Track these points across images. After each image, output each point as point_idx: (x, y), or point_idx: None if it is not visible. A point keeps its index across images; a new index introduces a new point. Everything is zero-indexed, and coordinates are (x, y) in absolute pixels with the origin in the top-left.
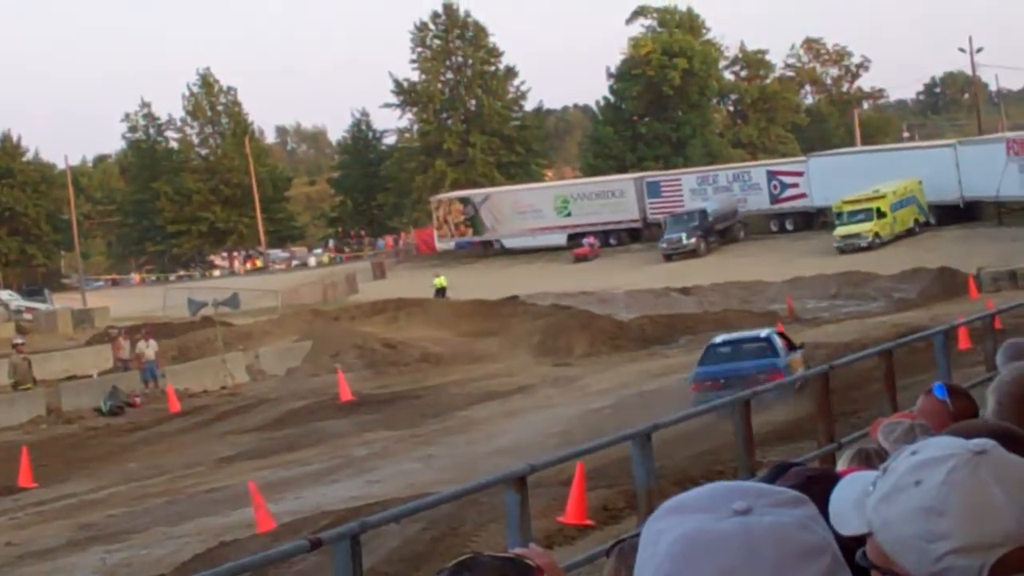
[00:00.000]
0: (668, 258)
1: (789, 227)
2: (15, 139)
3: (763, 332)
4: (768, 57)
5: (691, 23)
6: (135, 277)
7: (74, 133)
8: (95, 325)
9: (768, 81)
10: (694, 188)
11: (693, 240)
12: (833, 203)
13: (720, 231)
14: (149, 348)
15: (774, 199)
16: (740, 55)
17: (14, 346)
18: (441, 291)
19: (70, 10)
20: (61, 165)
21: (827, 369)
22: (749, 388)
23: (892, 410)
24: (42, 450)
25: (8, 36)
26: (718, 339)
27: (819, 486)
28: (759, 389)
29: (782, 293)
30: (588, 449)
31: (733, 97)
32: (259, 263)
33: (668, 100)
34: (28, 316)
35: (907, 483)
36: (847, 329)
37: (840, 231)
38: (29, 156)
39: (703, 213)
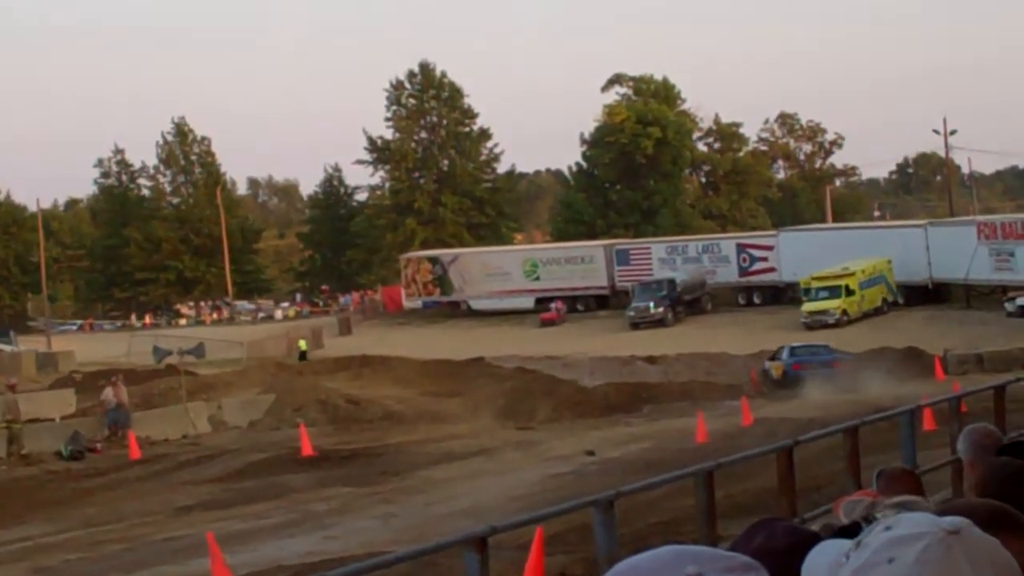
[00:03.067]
0: (635, 326)
1: (757, 300)
2: None
3: None
4: (742, 130)
5: (666, 93)
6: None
7: (46, 176)
8: (59, 369)
9: (741, 154)
10: (663, 257)
11: (661, 309)
12: (802, 278)
13: (688, 302)
14: (121, 394)
15: (743, 272)
16: (714, 127)
17: (8, 386)
18: (303, 354)
19: (45, 52)
20: (32, 207)
21: (791, 444)
22: None
23: (855, 488)
24: (0, 491)
25: None
26: None
27: (802, 549)
28: (724, 460)
29: (747, 366)
30: (549, 514)
31: (706, 168)
32: (226, 314)
33: (640, 168)
34: None
35: (880, 560)
36: (811, 405)
37: (808, 307)
38: (0, 197)
39: (671, 283)
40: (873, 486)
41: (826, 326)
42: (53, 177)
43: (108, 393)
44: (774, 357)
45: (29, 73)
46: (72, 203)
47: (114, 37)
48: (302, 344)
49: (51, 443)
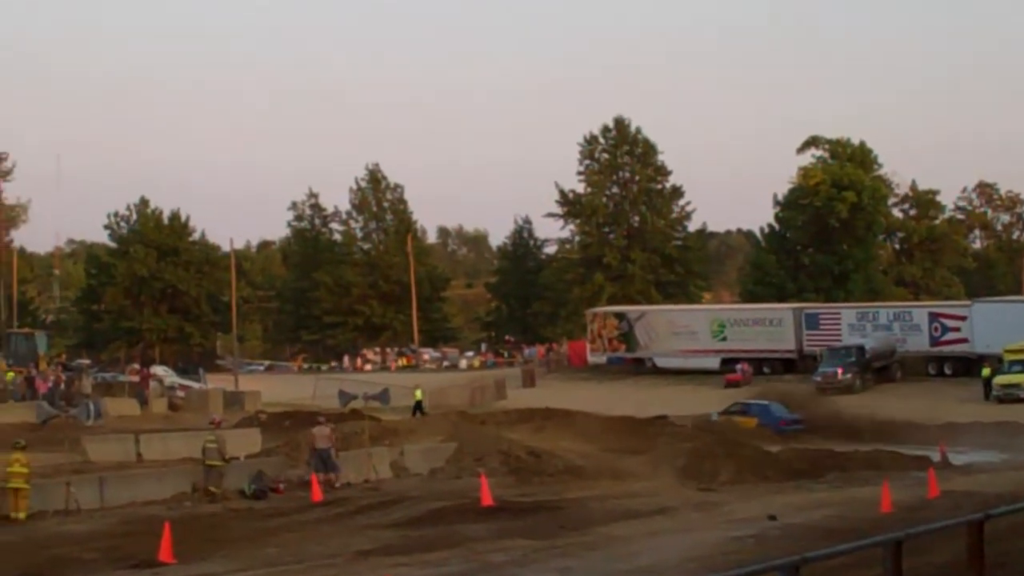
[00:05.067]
0: (822, 392)
1: (947, 371)
2: (184, 219)
3: None
4: (939, 198)
5: (863, 157)
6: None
7: (241, 218)
8: (245, 408)
9: (937, 222)
10: (853, 323)
11: (849, 376)
12: (995, 350)
13: (877, 369)
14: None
15: (934, 341)
16: (910, 193)
17: (211, 422)
18: (418, 405)
19: (247, 100)
20: (226, 247)
21: (982, 517)
22: None
23: None
24: (184, 527)
25: (185, 120)
26: None
27: None
28: (913, 531)
29: (935, 437)
30: None
31: (900, 235)
32: (411, 361)
33: (833, 232)
34: (181, 394)
35: None
36: (1002, 480)
37: (1000, 380)
38: (196, 236)
39: (861, 349)
40: None
41: (1019, 400)
42: (247, 219)
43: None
44: None
45: (229, 119)
46: (264, 245)
47: (312, 85)
48: (418, 394)
49: (235, 481)
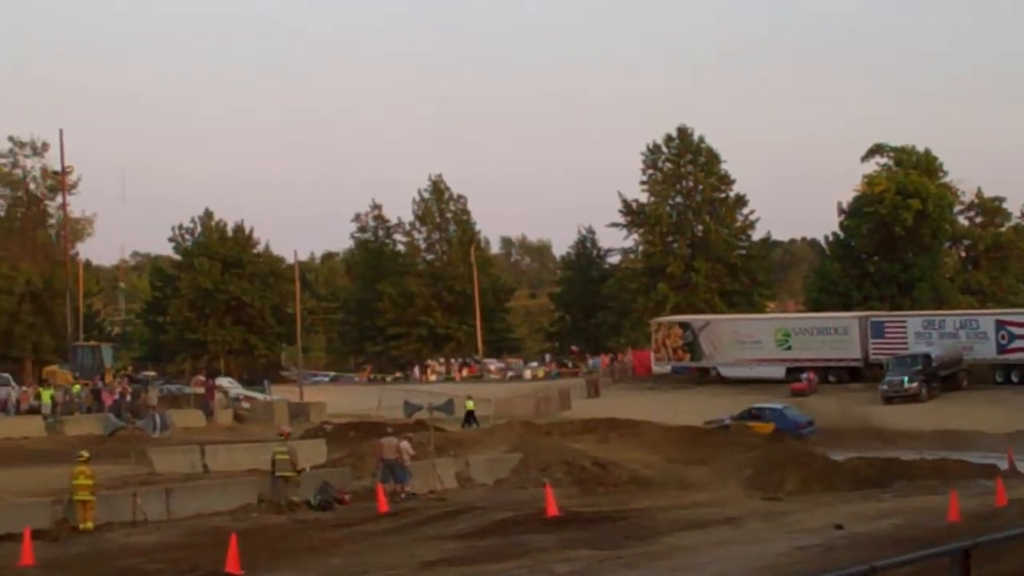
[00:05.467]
0: (888, 400)
1: (1014, 379)
2: (248, 231)
3: None
4: (1005, 205)
5: (928, 165)
6: (362, 376)
7: (305, 229)
8: (310, 419)
9: (1003, 229)
10: (919, 331)
11: (915, 384)
12: None
13: (943, 377)
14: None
15: (1001, 349)
16: (976, 200)
17: (280, 434)
18: (470, 415)
19: (311, 112)
20: (290, 259)
21: None
22: None
23: None
24: (250, 538)
25: (249, 133)
26: None
27: None
28: (981, 539)
29: (1003, 445)
30: None
31: (966, 243)
32: (475, 372)
33: (899, 240)
34: (246, 405)
35: None
36: None
37: None
38: (260, 248)
39: (927, 357)
40: None
41: None
42: (311, 231)
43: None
44: None
45: (292, 133)
46: (328, 256)
47: (375, 97)
48: (469, 404)
49: (301, 492)
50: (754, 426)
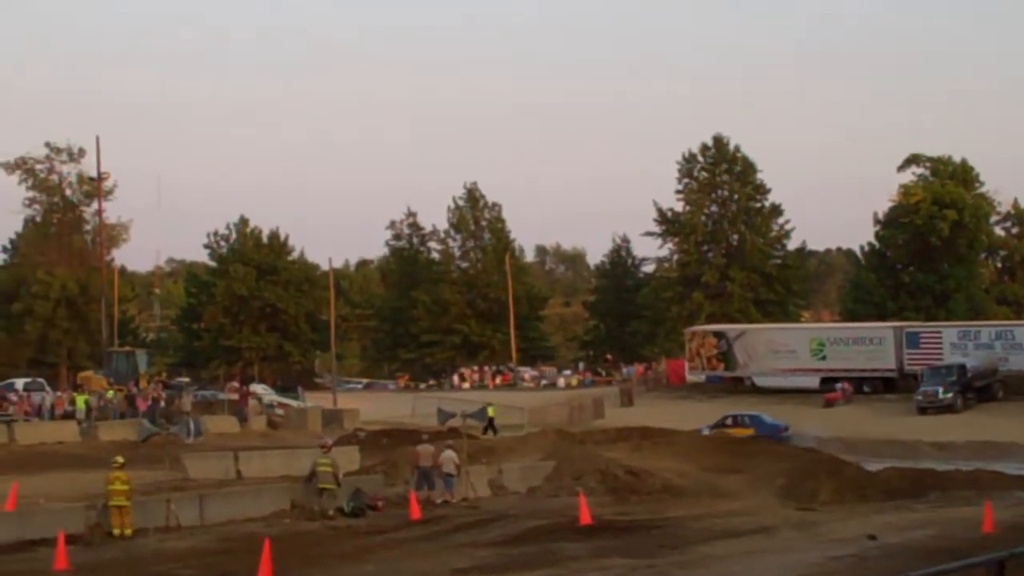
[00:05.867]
0: (922, 411)
1: None
2: (283, 238)
3: None
4: None
5: (964, 175)
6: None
7: (339, 236)
8: (344, 426)
9: None
10: (955, 342)
11: (950, 395)
12: None
13: (978, 388)
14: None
15: None
16: (1012, 211)
17: (321, 445)
18: (490, 422)
19: (346, 119)
20: (324, 266)
21: None
22: None
23: None
24: (283, 544)
25: (284, 140)
26: None
27: None
28: (1017, 550)
29: None
30: None
31: (1002, 253)
32: (509, 379)
33: (935, 251)
34: (280, 411)
35: None
36: None
37: None
38: (294, 255)
39: (962, 368)
40: None
41: None
42: (346, 238)
43: (423, 451)
44: None
45: (327, 140)
46: (362, 263)
47: (410, 105)
48: (491, 411)
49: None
50: (736, 432)
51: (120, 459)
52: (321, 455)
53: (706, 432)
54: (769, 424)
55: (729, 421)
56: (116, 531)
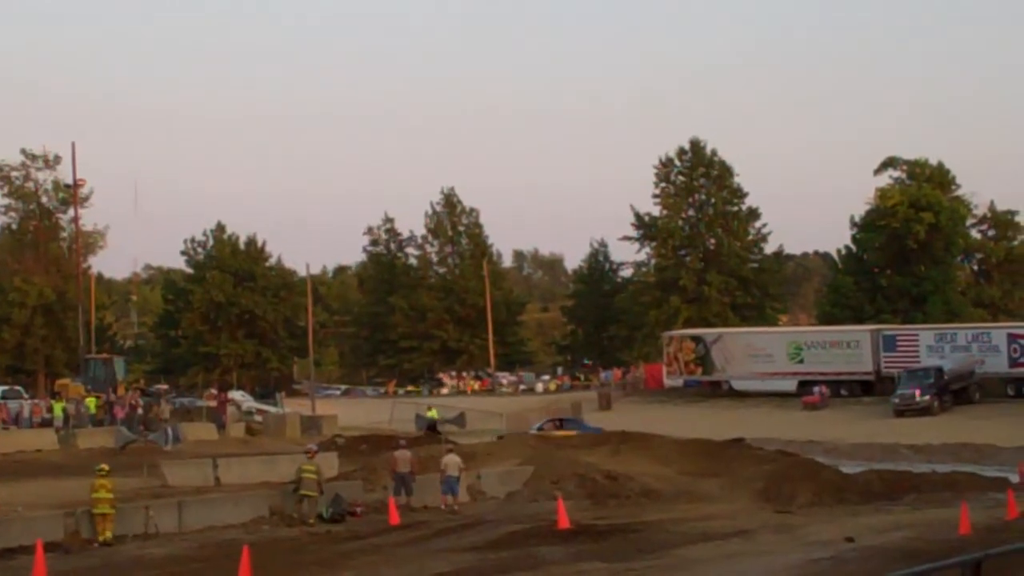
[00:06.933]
0: (900, 414)
1: None
2: (260, 244)
3: None
4: (1018, 218)
5: (941, 178)
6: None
7: (316, 242)
8: (322, 432)
9: (1016, 243)
10: (931, 345)
11: (927, 398)
12: None
13: (955, 391)
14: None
15: (1013, 363)
16: (989, 214)
17: (306, 452)
18: (433, 425)
19: (322, 126)
20: (302, 272)
21: None
22: None
23: None
24: (262, 551)
25: (261, 146)
26: None
27: None
28: (992, 551)
29: (1014, 458)
30: None
31: (978, 256)
32: (488, 384)
33: (911, 254)
34: (258, 418)
35: None
36: None
37: None
38: (272, 262)
39: (939, 371)
40: None
41: None
42: (323, 244)
43: (400, 456)
44: None
45: (303, 147)
46: (340, 270)
47: (386, 111)
48: (433, 412)
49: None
50: (560, 434)
51: (105, 467)
52: (306, 461)
53: (533, 431)
54: (586, 428)
55: (551, 424)
56: (100, 537)
